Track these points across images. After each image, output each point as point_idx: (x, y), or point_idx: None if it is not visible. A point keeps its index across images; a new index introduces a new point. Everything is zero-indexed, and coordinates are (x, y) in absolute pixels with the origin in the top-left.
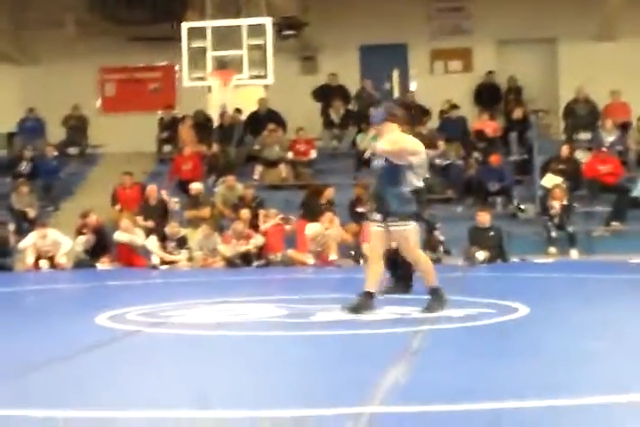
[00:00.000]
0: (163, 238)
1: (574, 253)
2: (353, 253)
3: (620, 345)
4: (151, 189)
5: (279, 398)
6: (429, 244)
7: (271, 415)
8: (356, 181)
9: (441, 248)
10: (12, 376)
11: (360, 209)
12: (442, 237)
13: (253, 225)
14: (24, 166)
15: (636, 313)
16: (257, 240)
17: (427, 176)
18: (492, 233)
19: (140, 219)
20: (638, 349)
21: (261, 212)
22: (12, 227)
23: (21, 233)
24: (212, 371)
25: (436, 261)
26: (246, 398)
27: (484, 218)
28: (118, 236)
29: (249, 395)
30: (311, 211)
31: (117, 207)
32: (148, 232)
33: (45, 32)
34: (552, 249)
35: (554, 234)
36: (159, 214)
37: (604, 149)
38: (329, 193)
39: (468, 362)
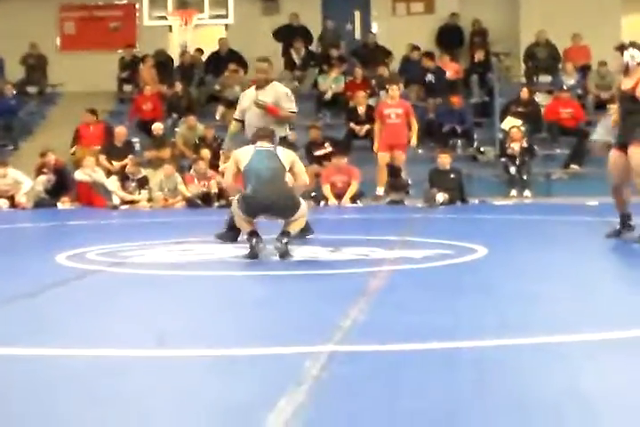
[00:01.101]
0: (123, 178)
1: (527, 193)
2: (313, 194)
3: (573, 286)
4: (120, 130)
5: (237, 336)
6: (393, 185)
7: (229, 354)
8: (312, 124)
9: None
10: None
11: (317, 152)
12: (408, 179)
13: (214, 165)
14: None
15: (589, 254)
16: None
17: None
18: (452, 175)
19: (103, 158)
20: (589, 289)
21: (222, 152)
22: None
23: None
24: (171, 310)
25: (399, 202)
26: (204, 337)
27: (444, 160)
28: (79, 175)
29: (207, 334)
30: None
31: (76, 147)
32: (109, 172)
33: None
34: (513, 191)
35: (513, 174)
36: (124, 156)
37: (564, 92)
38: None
39: (426, 302)
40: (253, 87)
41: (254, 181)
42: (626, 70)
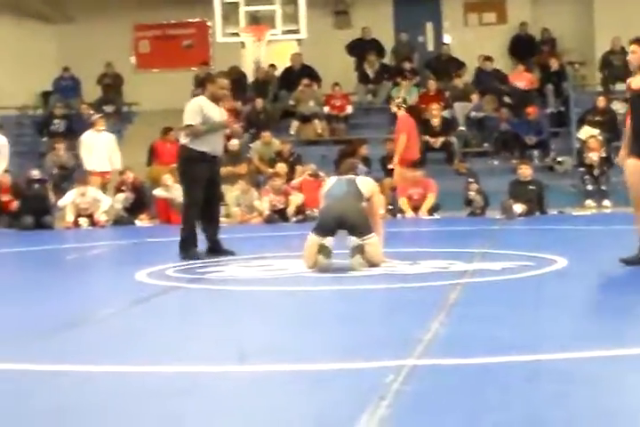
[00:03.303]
0: None
1: (607, 203)
2: (390, 207)
3: None
4: None
5: (319, 351)
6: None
7: (311, 369)
8: (386, 137)
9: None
10: (54, 332)
11: (392, 165)
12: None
13: (290, 180)
14: (57, 124)
15: None
16: (297, 198)
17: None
18: (532, 187)
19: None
20: None
21: (298, 167)
22: (49, 185)
23: (60, 191)
24: (252, 326)
25: (478, 214)
26: (286, 353)
27: (525, 171)
28: (158, 192)
29: (289, 349)
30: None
31: (152, 165)
32: None
33: None
34: (589, 202)
35: (590, 187)
36: None
37: None
38: (363, 150)
39: (507, 314)
40: (206, 99)
41: (329, 200)
42: None
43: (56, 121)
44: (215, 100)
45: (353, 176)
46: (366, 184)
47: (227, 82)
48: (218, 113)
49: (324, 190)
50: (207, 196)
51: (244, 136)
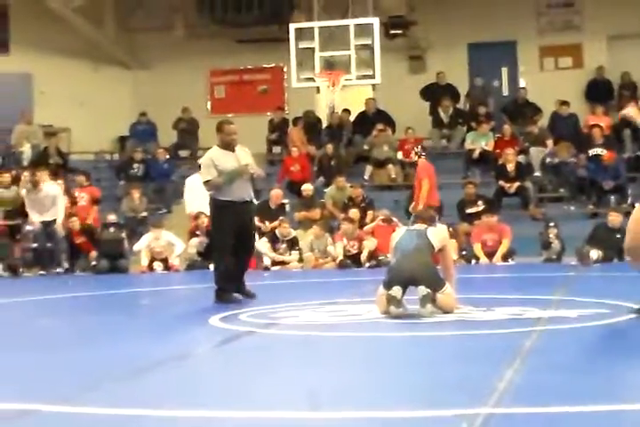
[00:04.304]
0: (274, 239)
1: None
2: (464, 252)
3: None
4: (276, 192)
5: (391, 398)
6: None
7: (383, 416)
8: (468, 180)
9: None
10: (128, 377)
11: (469, 210)
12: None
13: (363, 226)
14: (136, 169)
15: None
16: (370, 243)
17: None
18: (618, 235)
19: (256, 219)
20: None
21: (369, 212)
22: (125, 230)
23: (134, 236)
24: (324, 372)
25: (554, 260)
26: (358, 399)
27: (615, 219)
28: None
29: (361, 396)
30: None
31: None
32: (261, 233)
33: (155, 36)
34: None
35: None
36: (276, 217)
37: None
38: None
39: (583, 363)
40: (218, 149)
41: (399, 255)
42: None
43: (135, 165)
44: (227, 147)
45: (424, 226)
46: (437, 235)
47: (234, 127)
48: (233, 160)
49: (393, 242)
50: (238, 244)
51: (317, 181)
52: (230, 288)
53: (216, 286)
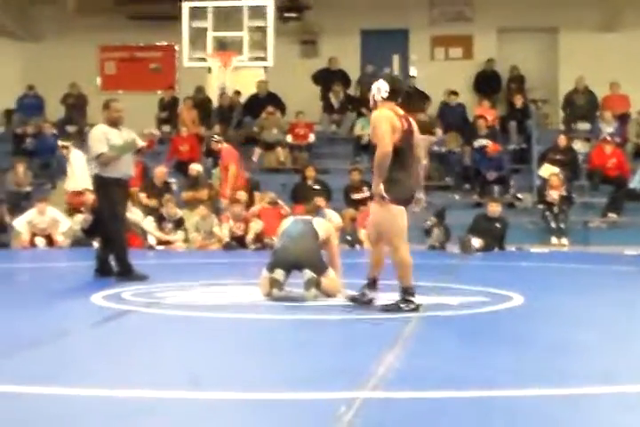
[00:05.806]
0: (160, 219)
1: (565, 242)
2: (349, 238)
3: (610, 336)
4: (160, 170)
5: (271, 381)
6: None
7: (262, 398)
8: (353, 167)
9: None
10: (5, 354)
11: (355, 195)
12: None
13: (249, 207)
14: (28, 143)
15: (626, 305)
16: (256, 225)
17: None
18: (498, 224)
19: (143, 196)
20: (626, 340)
21: (257, 194)
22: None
23: (17, 211)
24: (204, 352)
25: (432, 247)
26: (238, 381)
27: (495, 208)
28: None
29: (241, 377)
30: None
31: None
32: (148, 212)
33: (46, 8)
34: (554, 239)
35: (553, 224)
36: (162, 196)
37: (607, 139)
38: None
39: (461, 349)
40: (105, 126)
41: (285, 239)
42: None
43: (28, 140)
44: (113, 124)
45: (310, 217)
46: (322, 225)
47: (120, 106)
48: (119, 137)
49: (281, 229)
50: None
51: (206, 162)
52: (105, 267)
53: (119, 262)
